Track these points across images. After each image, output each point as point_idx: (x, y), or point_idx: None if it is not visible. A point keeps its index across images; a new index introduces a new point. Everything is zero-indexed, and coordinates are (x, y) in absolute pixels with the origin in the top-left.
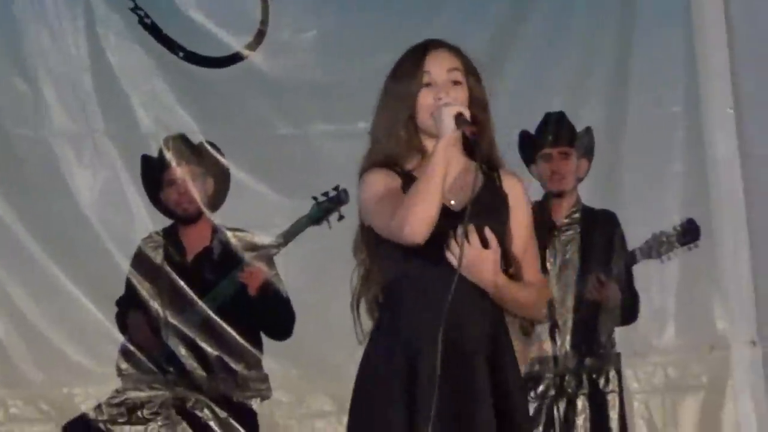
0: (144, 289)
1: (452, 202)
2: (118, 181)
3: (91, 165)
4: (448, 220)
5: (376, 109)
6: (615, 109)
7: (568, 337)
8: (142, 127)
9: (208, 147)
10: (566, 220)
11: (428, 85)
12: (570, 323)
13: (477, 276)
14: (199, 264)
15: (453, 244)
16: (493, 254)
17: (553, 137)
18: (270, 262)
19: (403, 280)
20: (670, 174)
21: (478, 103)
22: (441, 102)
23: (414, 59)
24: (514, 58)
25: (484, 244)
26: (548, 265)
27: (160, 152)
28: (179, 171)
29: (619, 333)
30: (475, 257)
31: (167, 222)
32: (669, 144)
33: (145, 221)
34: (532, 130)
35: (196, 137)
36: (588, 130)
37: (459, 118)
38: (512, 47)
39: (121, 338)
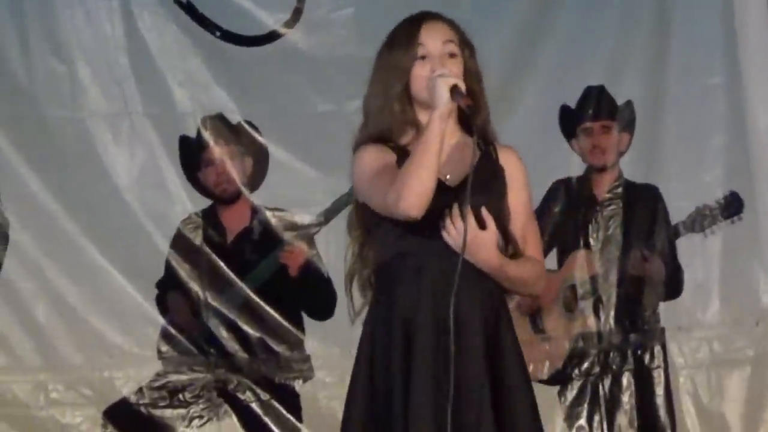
0: (183, 271)
1: (447, 176)
2: (155, 161)
3: (128, 145)
4: (444, 195)
5: (369, 82)
6: (655, 81)
7: (612, 313)
8: (179, 107)
9: (246, 126)
10: (608, 195)
11: (423, 57)
12: (614, 299)
13: (475, 257)
14: (239, 244)
15: (448, 223)
16: (491, 235)
17: (594, 111)
18: (310, 241)
19: (399, 257)
20: (712, 147)
21: (472, 75)
22: (436, 74)
23: (409, 31)
24: (552, 32)
25: (482, 224)
26: (591, 240)
27: (198, 132)
28: (217, 151)
29: (664, 308)
30: (472, 239)
31: (206, 203)
32: (710, 116)
33: (184, 202)
34: (573, 105)
35: (234, 116)
36: (629, 104)
37: (454, 89)
38: (550, 20)
39: (161, 320)
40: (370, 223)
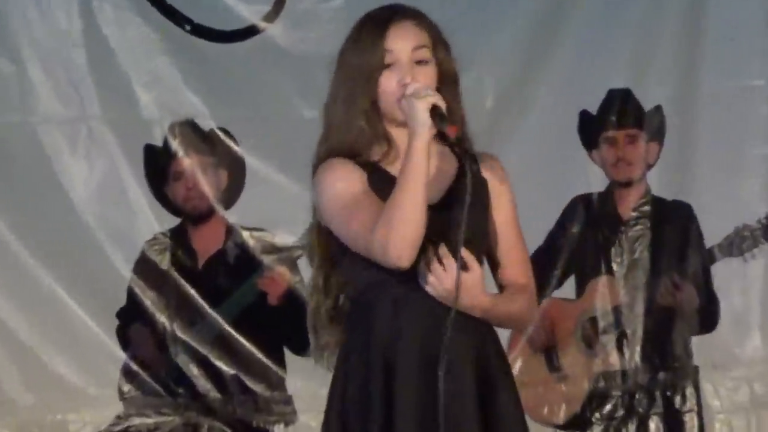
0: (148, 299)
1: None
2: (117, 174)
3: (86, 156)
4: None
5: (331, 86)
6: (686, 84)
7: (638, 349)
8: (144, 112)
9: (220, 134)
10: (634, 214)
11: (390, 65)
12: (640, 332)
13: (459, 304)
14: (212, 269)
15: (427, 272)
16: (476, 276)
17: (618, 118)
18: (293, 266)
19: (373, 287)
20: (752, 157)
21: (447, 76)
22: (408, 91)
23: (374, 34)
24: (569, 25)
25: (462, 264)
26: (614, 265)
27: (165, 141)
28: (187, 162)
29: (697, 343)
30: (450, 285)
31: (174, 221)
32: (750, 123)
33: (149, 220)
34: (594, 110)
35: (207, 123)
36: (658, 110)
37: (435, 111)
38: (567, 11)
39: (122, 356)
40: (336, 250)
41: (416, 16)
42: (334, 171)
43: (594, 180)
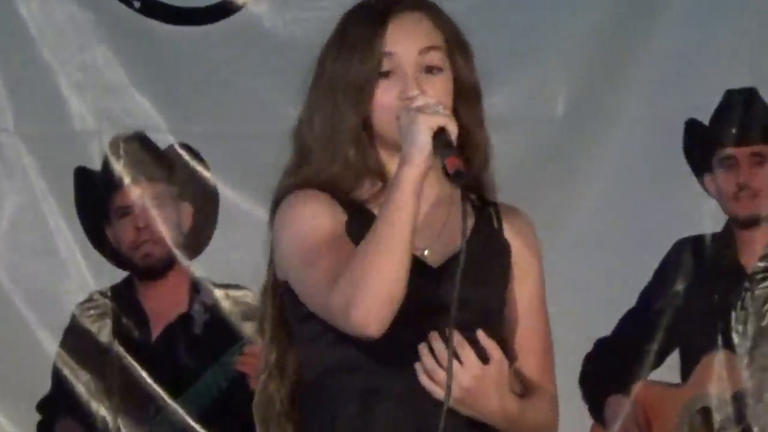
0: (81, 384)
1: (426, 251)
2: (36, 209)
3: None
4: (421, 281)
5: (307, 100)
6: None
7: None
8: (74, 122)
9: (182, 152)
10: (762, 265)
11: (389, 73)
12: None
13: (475, 408)
14: (171, 342)
15: (426, 357)
16: (499, 371)
17: (740, 130)
18: None
19: (335, 372)
20: None
21: (466, 90)
22: (414, 104)
23: (368, 31)
24: (666, 7)
25: (481, 354)
26: (734, 336)
27: (106, 162)
28: (136, 192)
29: None
30: (472, 383)
31: (119, 275)
32: None
33: (82, 274)
34: (705, 120)
35: (163, 137)
36: None
37: (439, 135)
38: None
39: None
40: (293, 314)
41: (426, 6)
42: (302, 204)
43: (706, 217)
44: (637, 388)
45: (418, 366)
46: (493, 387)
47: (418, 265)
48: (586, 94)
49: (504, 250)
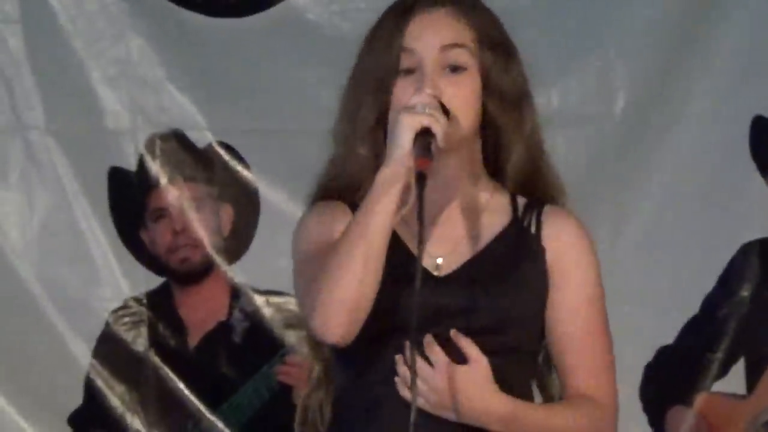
0: (116, 396)
1: (439, 260)
2: (68, 211)
3: (23, 184)
4: (425, 291)
5: (339, 100)
6: None
7: None
8: (108, 120)
9: (221, 151)
10: None
11: (409, 71)
12: None
13: (458, 410)
14: (210, 351)
15: (401, 367)
16: (477, 370)
17: None
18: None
19: (352, 387)
20: None
21: (499, 93)
22: (410, 102)
23: (391, 27)
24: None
25: (455, 355)
26: None
27: (141, 162)
28: (173, 193)
29: None
30: (444, 384)
31: (155, 281)
32: None
33: (116, 280)
34: None
35: (201, 135)
36: None
37: (422, 136)
38: None
39: None
40: None
41: (455, 3)
42: (313, 218)
43: None
44: (699, 399)
45: (397, 379)
46: (472, 386)
47: (423, 275)
48: (647, 91)
49: (537, 255)
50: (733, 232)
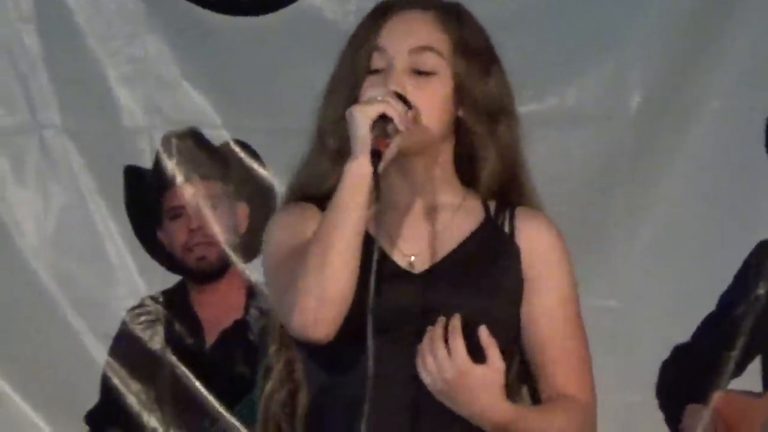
0: (132, 394)
1: (413, 257)
2: (83, 210)
3: (38, 183)
4: (400, 288)
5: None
6: None
7: None
8: (124, 118)
9: (238, 149)
10: None
11: (377, 71)
12: None
13: (456, 404)
14: (226, 350)
15: (426, 353)
16: (492, 372)
17: None
18: None
19: (326, 388)
20: None
21: (474, 102)
22: (365, 96)
23: (369, 25)
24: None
25: (475, 353)
26: None
27: (157, 160)
28: (189, 192)
29: None
30: (454, 377)
31: (171, 280)
32: None
33: (132, 279)
34: None
35: (218, 133)
36: None
37: (378, 123)
38: None
39: None
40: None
41: (434, 7)
42: (280, 219)
43: None
44: (716, 397)
45: (418, 361)
46: (481, 388)
47: (397, 272)
48: (661, 91)
49: (511, 254)
50: (749, 230)
